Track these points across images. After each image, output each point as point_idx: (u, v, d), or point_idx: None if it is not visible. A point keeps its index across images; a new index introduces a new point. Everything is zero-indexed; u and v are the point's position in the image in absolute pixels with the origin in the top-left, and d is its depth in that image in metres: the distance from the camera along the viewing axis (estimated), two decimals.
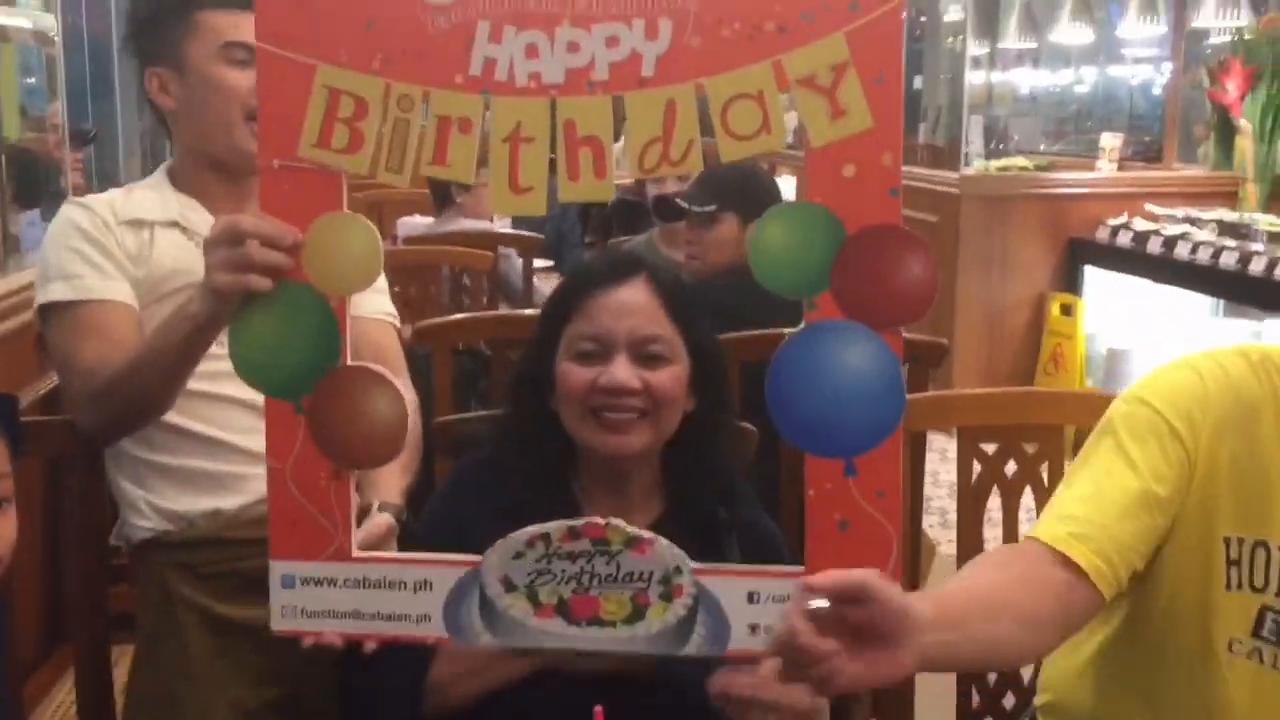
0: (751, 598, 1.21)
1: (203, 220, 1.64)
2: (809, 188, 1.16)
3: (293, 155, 1.20)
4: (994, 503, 1.63)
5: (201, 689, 1.56)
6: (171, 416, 1.55)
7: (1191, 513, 1.23)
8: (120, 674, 1.65)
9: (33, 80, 2.54)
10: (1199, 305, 4.26)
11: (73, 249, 1.58)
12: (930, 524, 3.24)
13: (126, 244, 1.61)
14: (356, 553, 1.26)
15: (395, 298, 3.28)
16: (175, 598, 1.59)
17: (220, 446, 1.58)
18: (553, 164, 1.18)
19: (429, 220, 3.78)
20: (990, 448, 1.63)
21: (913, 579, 1.71)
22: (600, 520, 1.22)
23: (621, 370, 1.31)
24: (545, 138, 1.18)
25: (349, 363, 1.23)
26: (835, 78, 1.14)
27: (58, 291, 1.57)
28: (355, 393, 1.23)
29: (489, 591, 1.23)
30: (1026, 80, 6.77)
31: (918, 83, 6.02)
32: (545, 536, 1.22)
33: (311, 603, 1.25)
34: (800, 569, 1.19)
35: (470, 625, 1.24)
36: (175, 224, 1.65)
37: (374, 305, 1.76)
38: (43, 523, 1.61)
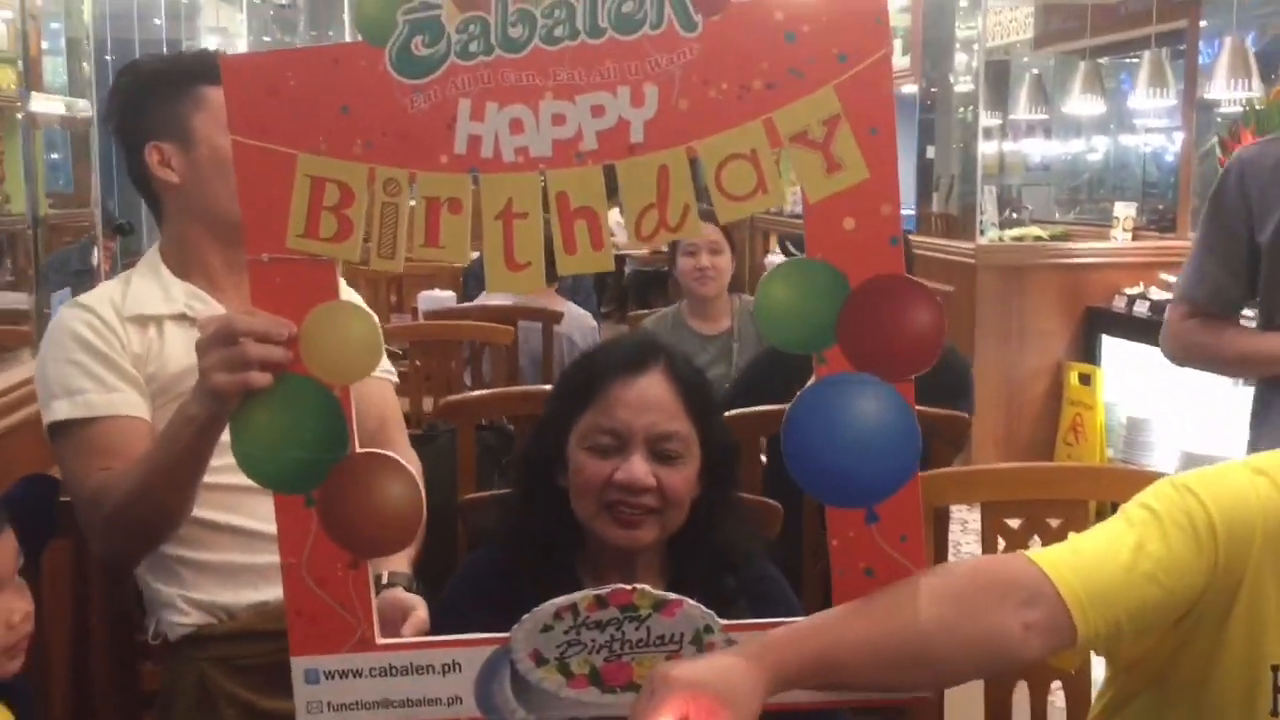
0: None
1: (209, 310, 1.60)
2: (809, 244, 1.16)
3: (281, 248, 1.17)
4: None
5: None
6: (205, 512, 1.52)
7: (1238, 636, 1.21)
8: None
9: (56, 156, 2.50)
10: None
11: (74, 361, 1.54)
12: None
13: (132, 344, 1.57)
14: (380, 640, 1.24)
15: (415, 372, 3.27)
16: (216, 693, 1.57)
17: (256, 538, 1.54)
18: None
19: (449, 294, 3.77)
20: (1014, 522, 1.63)
21: None
22: (627, 586, 1.22)
23: (638, 468, 1.32)
24: (538, 212, 1.16)
25: (358, 450, 1.22)
26: (828, 132, 1.13)
27: (61, 410, 1.53)
28: (368, 482, 1.21)
29: (520, 667, 1.23)
30: (1039, 150, 6.82)
31: (930, 152, 6.01)
32: (573, 607, 1.22)
33: (338, 695, 1.24)
34: None
35: (504, 703, 1.23)
36: (183, 316, 1.61)
37: None
38: (70, 600, 1.59)
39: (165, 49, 5.72)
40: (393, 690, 1.24)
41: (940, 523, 1.67)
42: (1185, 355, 2.20)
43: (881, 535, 1.19)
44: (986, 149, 6.07)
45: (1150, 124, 6.06)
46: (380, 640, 1.24)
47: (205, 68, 1.61)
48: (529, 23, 1.13)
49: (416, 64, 1.14)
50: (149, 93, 1.65)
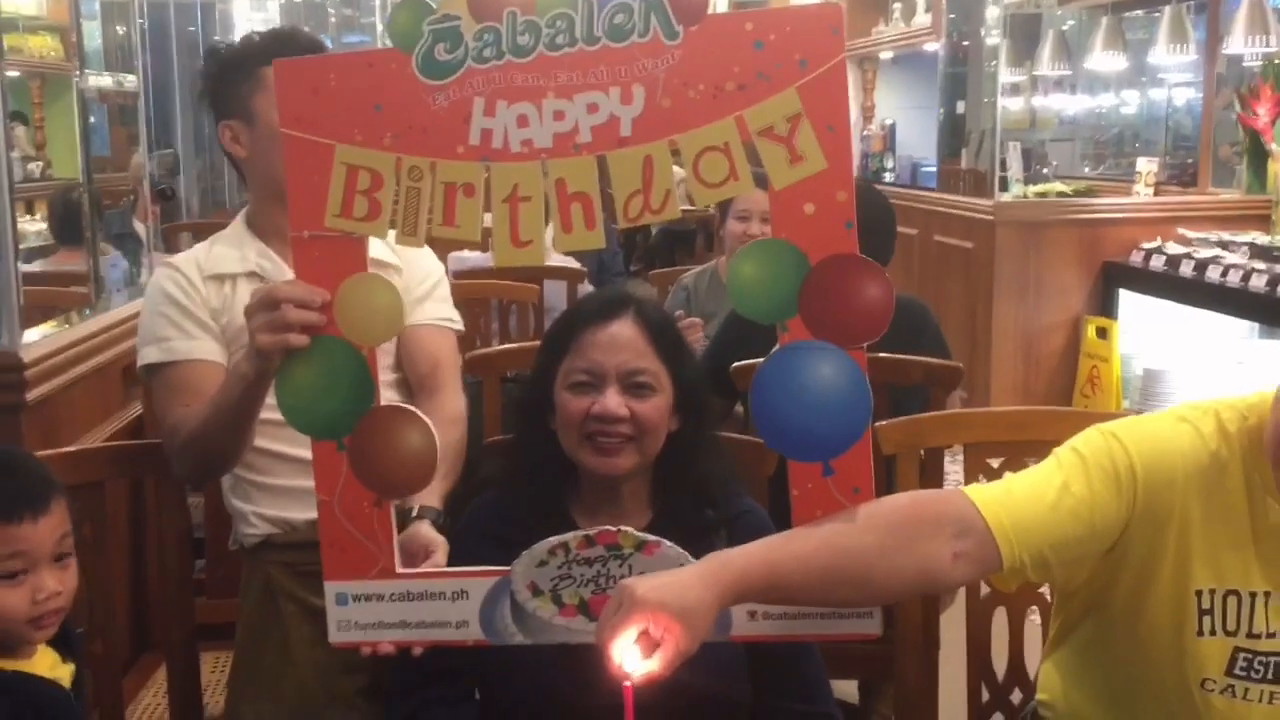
0: None
1: (276, 269, 1.79)
2: (774, 225, 1.31)
3: (320, 226, 1.36)
4: None
5: (301, 672, 1.75)
6: (269, 443, 1.75)
7: (1167, 567, 1.34)
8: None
9: (93, 119, 2.71)
10: (1234, 327, 4.29)
11: (161, 313, 1.78)
12: None
13: (210, 299, 1.79)
14: (400, 570, 1.42)
15: None
16: (278, 591, 1.79)
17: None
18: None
19: (479, 255, 3.96)
20: (995, 462, 1.76)
21: None
22: (613, 528, 1.38)
23: (612, 400, 1.47)
24: (540, 196, 1.33)
25: (382, 403, 1.40)
26: (791, 128, 1.29)
27: (150, 355, 1.77)
28: (389, 431, 1.39)
29: (518, 597, 1.40)
30: (1067, 105, 6.75)
31: (960, 107, 5.95)
32: (564, 545, 1.38)
33: (363, 616, 1.42)
34: None
35: (504, 627, 1.40)
36: (254, 274, 1.81)
37: (433, 312, 1.92)
38: (129, 538, 1.80)
39: (199, 13, 5.89)
40: (409, 613, 1.41)
41: (934, 462, 1.81)
42: None
43: (837, 487, 1.34)
44: (1014, 104, 6.00)
45: (1176, 78, 5.96)
46: (400, 570, 1.42)
47: (266, 51, 1.78)
48: (535, 32, 1.31)
49: (439, 68, 1.33)
50: (222, 76, 1.85)
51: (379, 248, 1.84)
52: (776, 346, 1.34)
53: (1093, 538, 1.33)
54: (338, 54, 1.38)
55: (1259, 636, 1.34)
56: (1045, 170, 5.85)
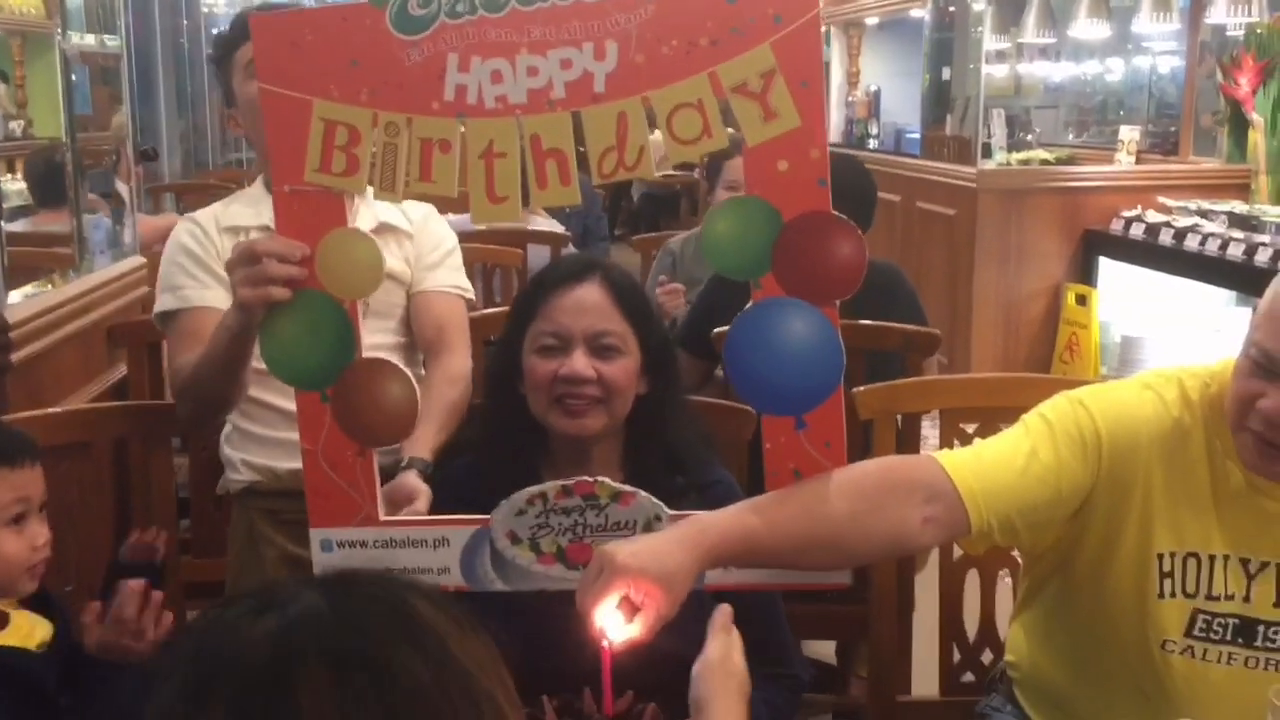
0: None
1: None
2: (747, 182, 1.32)
3: (300, 181, 1.38)
4: None
5: None
6: (260, 393, 1.82)
7: (1131, 529, 1.36)
8: None
9: (75, 78, 2.70)
10: (1213, 295, 4.29)
11: (177, 263, 1.87)
12: None
13: (225, 250, 1.83)
14: (382, 517, 1.46)
15: None
16: (259, 536, 1.88)
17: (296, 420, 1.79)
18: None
19: (464, 217, 3.95)
20: (970, 427, 1.78)
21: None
22: (589, 479, 1.41)
23: (579, 362, 1.49)
24: (515, 152, 1.34)
25: (363, 356, 1.42)
26: (765, 84, 1.29)
27: (165, 302, 1.86)
28: (371, 383, 1.42)
29: (498, 545, 1.43)
30: (1052, 73, 6.65)
31: (945, 74, 5.85)
32: (543, 495, 1.41)
33: (347, 562, 1.46)
34: None
35: (484, 574, 1.44)
36: (266, 227, 1.83)
37: (443, 279, 1.96)
38: (113, 498, 1.84)
39: None
40: (392, 559, 1.45)
41: (911, 427, 1.83)
42: None
43: (809, 440, 1.36)
44: (999, 71, 5.97)
45: (1159, 48, 5.88)
46: (382, 518, 1.46)
47: (238, 33, 1.84)
48: None
49: (412, 22, 1.33)
50: (218, 69, 1.95)
51: (393, 213, 1.89)
52: (749, 304, 1.35)
53: (1059, 502, 1.35)
54: (313, 9, 1.38)
55: (1218, 598, 1.37)
56: (1029, 138, 5.82)
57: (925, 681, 1.82)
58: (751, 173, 1.32)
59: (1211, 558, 1.36)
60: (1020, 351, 4.89)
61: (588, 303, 1.51)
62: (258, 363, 1.56)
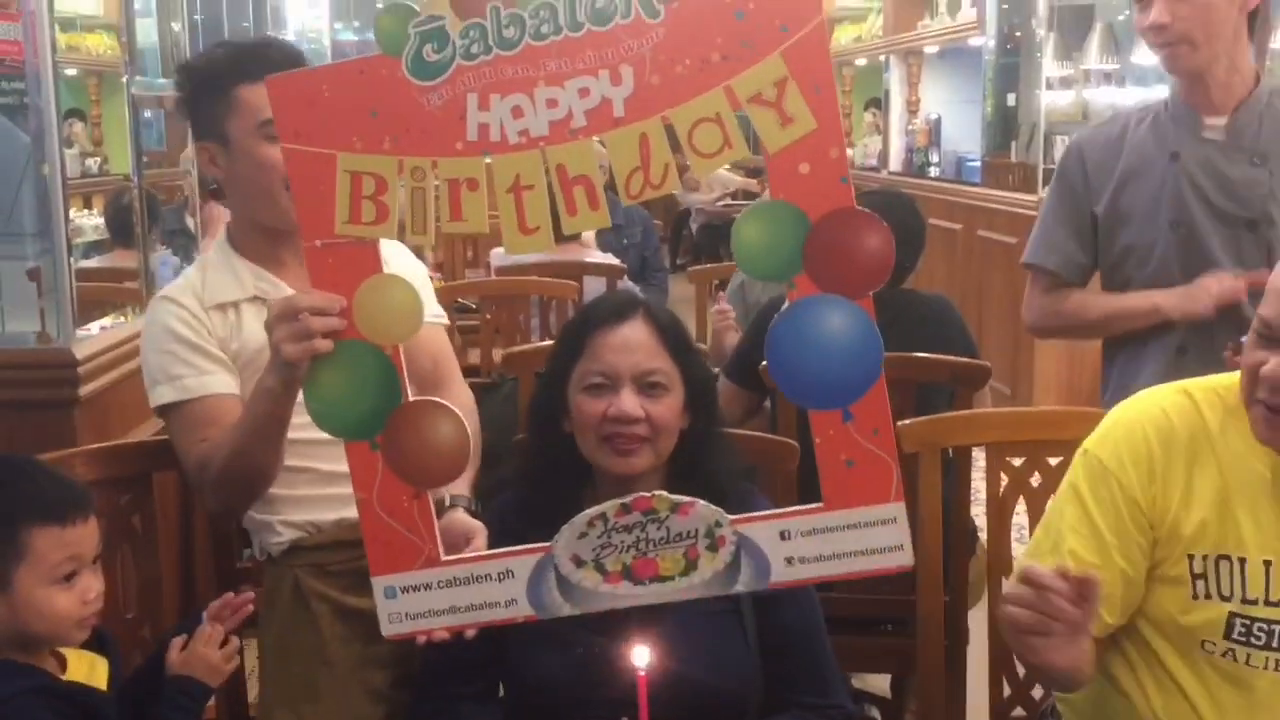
0: (784, 535, 1.42)
1: (277, 290, 1.78)
2: (772, 188, 1.36)
3: (330, 234, 1.40)
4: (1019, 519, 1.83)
5: (337, 672, 1.78)
6: (294, 460, 1.74)
7: (1164, 542, 1.43)
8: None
9: (148, 114, 2.75)
10: None
11: (169, 351, 1.77)
12: None
13: (216, 329, 1.79)
14: (444, 557, 1.47)
15: (486, 324, 3.42)
16: (308, 593, 1.81)
17: (333, 476, 1.74)
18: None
19: None
20: (1017, 461, 1.82)
21: (962, 570, 1.93)
22: (648, 494, 1.43)
23: (628, 402, 1.53)
24: (542, 184, 1.37)
25: (410, 399, 1.44)
26: (779, 92, 1.33)
27: (164, 395, 1.76)
28: (420, 425, 1.44)
29: (562, 570, 1.45)
30: (1118, 98, 6.72)
31: (1010, 100, 5.89)
32: (603, 516, 1.43)
33: (413, 607, 1.47)
34: (819, 505, 1.41)
35: (551, 601, 1.45)
36: (255, 298, 1.80)
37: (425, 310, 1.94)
38: (178, 529, 1.85)
39: (251, 8, 5.77)
40: (458, 598, 1.46)
41: (962, 461, 1.87)
42: (1048, 324, 2.36)
43: (858, 430, 1.39)
44: (1063, 98, 5.93)
45: None
46: (444, 557, 1.47)
47: (239, 67, 1.75)
48: (519, 24, 1.34)
49: (428, 68, 1.36)
50: (195, 96, 1.80)
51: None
52: (786, 304, 1.39)
53: (1140, 546, 1.44)
54: (328, 65, 1.41)
55: (1255, 602, 1.40)
56: None
57: (979, 717, 1.85)
58: (775, 178, 1.36)
59: (1243, 560, 1.40)
60: (1084, 380, 4.85)
61: (634, 341, 1.55)
62: (295, 431, 1.57)
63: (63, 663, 1.42)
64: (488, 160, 1.37)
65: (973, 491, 1.96)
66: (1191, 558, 1.42)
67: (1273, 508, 1.40)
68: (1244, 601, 1.40)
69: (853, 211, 1.36)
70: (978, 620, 1.86)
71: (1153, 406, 1.47)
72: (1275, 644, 1.39)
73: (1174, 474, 1.43)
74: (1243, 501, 1.40)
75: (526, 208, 1.38)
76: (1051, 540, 1.48)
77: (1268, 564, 1.39)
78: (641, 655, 1.22)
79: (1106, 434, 1.48)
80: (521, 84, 1.35)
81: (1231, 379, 1.43)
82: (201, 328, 1.79)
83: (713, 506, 1.43)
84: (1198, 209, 2.11)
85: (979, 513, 1.93)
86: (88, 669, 1.44)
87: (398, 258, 1.88)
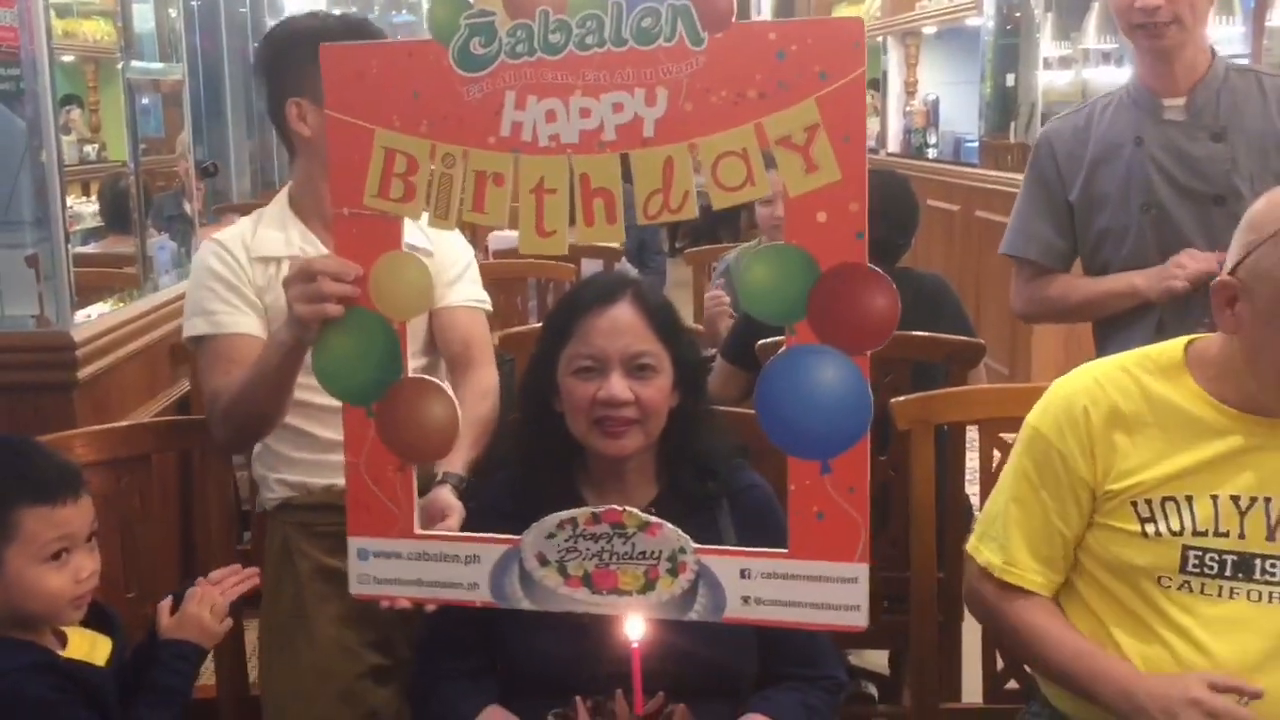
0: (744, 574, 1.43)
1: (318, 252, 1.82)
2: (787, 231, 1.35)
3: (359, 204, 1.44)
4: None
5: (313, 626, 1.86)
6: (295, 420, 1.84)
7: (1105, 499, 1.51)
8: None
9: (146, 101, 2.82)
10: None
11: (208, 288, 1.86)
12: None
13: (256, 279, 1.87)
14: (418, 531, 1.51)
15: None
16: (293, 550, 1.90)
17: (333, 445, 1.75)
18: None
19: (518, 234, 4.03)
20: (1009, 436, 1.78)
21: (957, 546, 1.90)
22: (618, 508, 1.45)
23: (616, 386, 1.54)
24: (565, 190, 1.39)
25: (409, 375, 1.48)
26: (808, 137, 1.32)
27: (197, 326, 1.86)
28: (415, 401, 1.48)
29: (527, 565, 1.48)
30: (1117, 77, 6.55)
31: (1009, 80, 5.83)
32: (573, 520, 1.46)
33: (382, 572, 1.52)
34: (783, 551, 1.41)
35: (511, 592, 1.49)
36: (297, 258, 1.83)
37: (465, 294, 1.99)
38: (178, 510, 1.92)
39: None
40: (425, 572, 1.50)
41: (956, 438, 1.90)
42: (1035, 311, 2.47)
43: (834, 485, 1.39)
44: (1062, 77, 5.87)
45: (1223, 50, 5.73)
46: (418, 531, 1.51)
47: (345, 32, 1.80)
48: (565, 31, 1.36)
49: (474, 60, 1.38)
50: (296, 51, 1.82)
51: (414, 232, 1.90)
52: (783, 349, 1.38)
53: (1081, 504, 1.55)
54: (379, 43, 1.44)
55: (1205, 534, 1.48)
56: None
57: (976, 690, 1.88)
58: (791, 222, 1.35)
59: (1189, 497, 1.48)
60: (1080, 360, 4.77)
61: (622, 323, 1.56)
62: (303, 393, 1.63)
63: (63, 640, 1.46)
64: (515, 161, 1.39)
65: (969, 471, 1.99)
66: (1135, 504, 1.50)
67: (1216, 447, 1.49)
68: (1195, 534, 1.48)
69: (863, 268, 1.34)
70: None
71: (1087, 379, 1.56)
72: (1228, 572, 1.48)
73: (1111, 439, 1.51)
74: (1184, 447, 1.50)
75: (546, 210, 1.40)
76: (998, 507, 1.60)
77: (1215, 498, 1.48)
78: (635, 628, 1.25)
79: (1046, 408, 1.57)
80: (559, 90, 1.37)
81: (1162, 347, 1.56)
82: (242, 273, 1.87)
83: (680, 532, 1.44)
84: (1165, 190, 2.21)
85: (976, 492, 1.94)
86: (89, 647, 1.48)
87: (449, 238, 1.93)
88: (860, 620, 1.43)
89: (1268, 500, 1.47)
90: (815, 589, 1.41)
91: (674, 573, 1.44)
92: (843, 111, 1.31)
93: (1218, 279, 1.48)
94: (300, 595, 1.88)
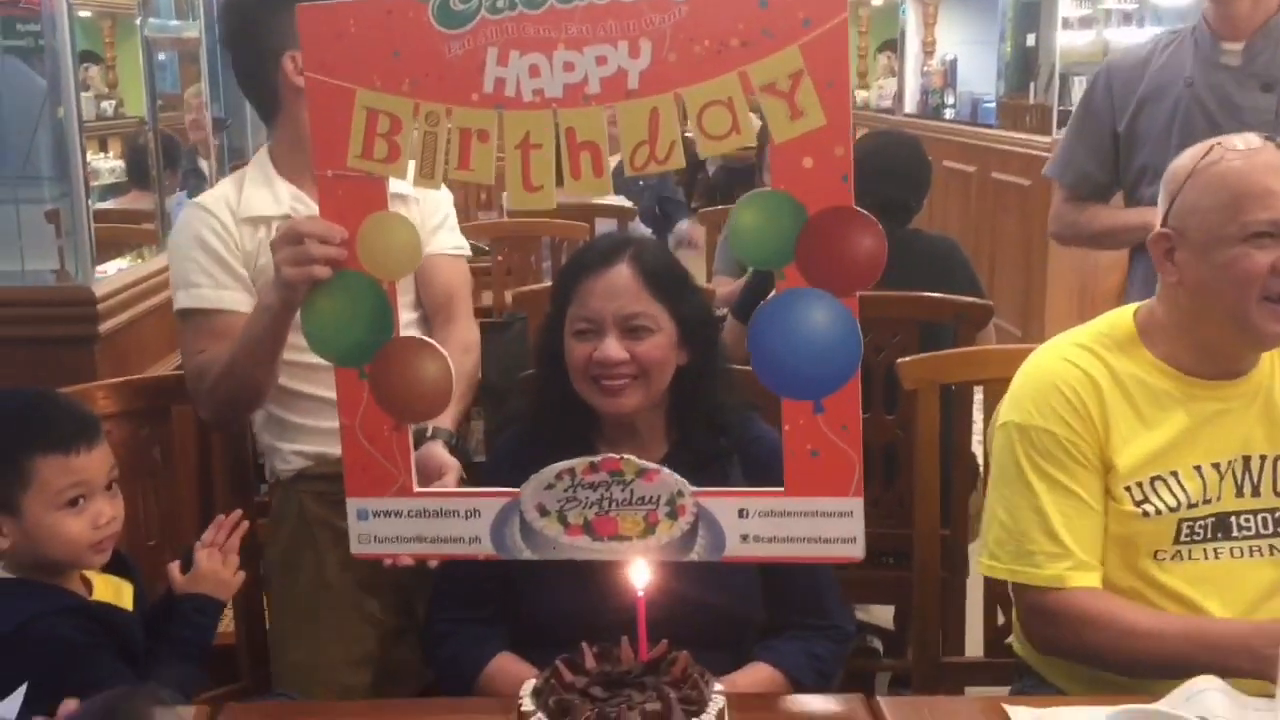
0: (742, 513, 1.47)
1: (310, 211, 1.79)
2: (774, 177, 1.38)
3: (342, 166, 1.43)
4: None
5: (335, 594, 1.87)
6: (305, 386, 1.84)
7: (1107, 474, 1.54)
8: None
9: (162, 57, 2.78)
10: None
11: (192, 259, 1.83)
12: None
13: (245, 243, 1.84)
14: (416, 488, 1.53)
15: (498, 266, 3.48)
16: (311, 518, 1.89)
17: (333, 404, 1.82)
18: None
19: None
20: None
21: (962, 504, 1.99)
22: (615, 455, 1.48)
23: (610, 346, 1.57)
24: (551, 144, 1.39)
25: (401, 335, 1.49)
26: (793, 84, 1.34)
27: (181, 300, 1.83)
28: (408, 361, 1.48)
29: (527, 516, 1.50)
30: (1138, 38, 6.55)
31: (1030, 40, 5.82)
32: (570, 470, 1.48)
33: (382, 531, 1.53)
34: (779, 489, 1.45)
35: (513, 544, 1.51)
36: (288, 217, 1.83)
37: (446, 241, 1.98)
38: (197, 464, 1.92)
39: None
40: (425, 529, 1.52)
41: (965, 397, 1.93)
42: (1064, 234, 2.53)
43: (826, 423, 1.43)
44: (1082, 37, 5.89)
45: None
46: (417, 489, 1.53)
47: None
48: None
49: (454, 17, 1.38)
50: (279, 4, 1.74)
51: (395, 181, 1.89)
52: (773, 293, 1.41)
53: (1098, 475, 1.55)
54: (358, 1, 1.42)
55: (1196, 504, 1.52)
56: None
57: (979, 645, 1.92)
58: (778, 168, 1.37)
59: (1175, 473, 1.52)
60: None
61: (617, 286, 1.59)
62: (305, 355, 1.62)
63: (89, 587, 1.49)
64: (500, 114, 1.40)
65: (976, 432, 2.02)
66: (1129, 488, 1.53)
67: (1184, 417, 1.53)
68: (1189, 507, 1.53)
69: (850, 211, 1.37)
70: (972, 551, 1.91)
71: (1055, 362, 1.58)
72: (1209, 534, 1.54)
73: (1095, 414, 1.54)
74: (1156, 420, 1.53)
75: (533, 165, 1.40)
76: (1023, 523, 1.55)
77: (1198, 468, 1.53)
78: (640, 574, 1.28)
79: (1019, 400, 1.59)
80: (542, 44, 1.37)
81: (1113, 321, 1.60)
82: (230, 239, 1.83)
83: (677, 476, 1.47)
84: (1205, 135, 2.18)
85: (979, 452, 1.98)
86: (114, 592, 1.51)
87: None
88: (857, 552, 1.48)
89: (1245, 460, 1.54)
90: (812, 524, 1.45)
91: (673, 516, 1.48)
92: (826, 57, 1.33)
93: (1153, 233, 1.52)
94: (322, 563, 1.88)
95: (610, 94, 1.37)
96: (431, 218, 1.95)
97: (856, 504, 1.44)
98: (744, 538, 1.48)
